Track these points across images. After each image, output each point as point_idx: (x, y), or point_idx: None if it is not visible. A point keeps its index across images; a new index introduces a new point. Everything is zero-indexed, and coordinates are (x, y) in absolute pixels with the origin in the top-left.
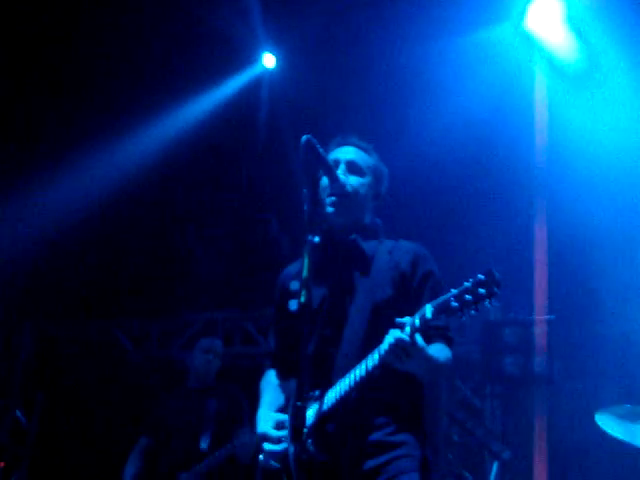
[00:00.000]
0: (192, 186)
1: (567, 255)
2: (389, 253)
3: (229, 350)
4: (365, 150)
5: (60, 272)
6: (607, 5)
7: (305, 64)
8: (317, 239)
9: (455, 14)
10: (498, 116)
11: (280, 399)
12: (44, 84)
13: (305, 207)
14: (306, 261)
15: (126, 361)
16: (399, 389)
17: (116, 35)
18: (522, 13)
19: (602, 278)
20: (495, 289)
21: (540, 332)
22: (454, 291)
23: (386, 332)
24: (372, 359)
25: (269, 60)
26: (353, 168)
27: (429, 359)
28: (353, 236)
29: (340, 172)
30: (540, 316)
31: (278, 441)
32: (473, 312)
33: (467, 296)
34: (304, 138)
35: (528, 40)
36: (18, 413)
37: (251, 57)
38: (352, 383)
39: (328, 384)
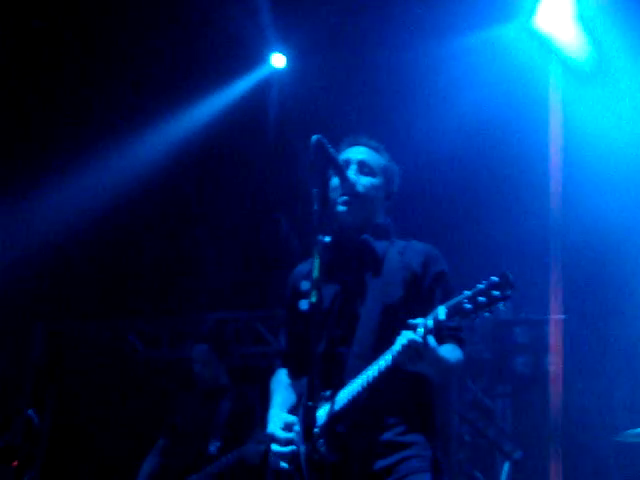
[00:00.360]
0: (202, 186)
1: (581, 254)
2: (400, 253)
3: (240, 350)
4: (376, 150)
5: (71, 273)
6: (617, 1)
7: (315, 64)
8: (328, 239)
9: (465, 13)
10: (511, 114)
11: (291, 399)
12: (57, 83)
13: (315, 207)
14: (317, 261)
15: (137, 361)
16: (410, 389)
17: (126, 35)
18: (532, 11)
19: (617, 276)
20: (509, 291)
21: (554, 331)
22: (467, 293)
23: (397, 333)
24: (384, 360)
25: (278, 60)
26: (364, 168)
27: (441, 360)
28: (364, 236)
29: (351, 172)
30: (555, 316)
31: (286, 443)
32: (487, 314)
33: (481, 298)
34: (314, 138)
35: (539, 38)
36: (30, 413)
37: (260, 57)
38: (364, 384)
39: (339, 384)
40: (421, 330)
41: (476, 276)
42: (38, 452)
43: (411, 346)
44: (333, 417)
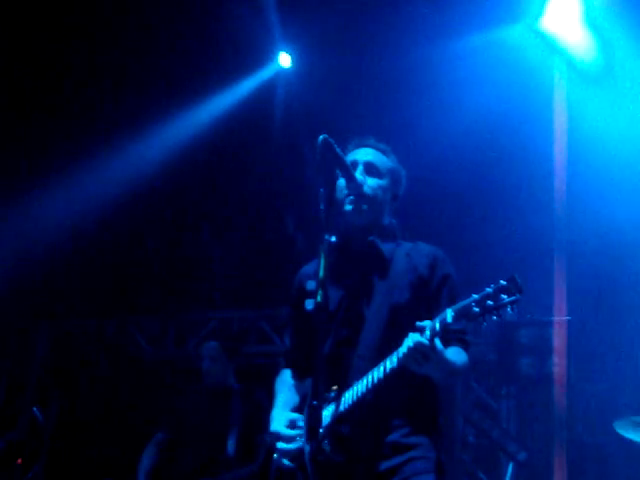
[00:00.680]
0: (208, 185)
1: (586, 256)
2: (407, 256)
3: (244, 349)
4: (383, 152)
5: (76, 270)
6: (624, 2)
7: (321, 63)
8: (334, 239)
9: (472, 13)
10: (517, 115)
11: (295, 399)
12: (64, 81)
13: (321, 207)
14: (323, 261)
15: (141, 359)
16: (415, 391)
17: (132, 34)
18: (540, 12)
19: (621, 278)
20: (517, 295)
21: (558, 333)
22: (475, 296)
23: (403, 335)
24: (390, 362)
25: (285, 59)
26: (371, 170)
27: (447, 363)
28: (371, 238)
29: (358, 173)
30: (559, 317)
31: (291, 440)
32: (495, 318)
33: (489, 302)
34: (321, 138)
35: (546, 39)
36: (35, 410)
37: (267, 56)
38: (370, 385)
39: (344, 385)
40: (428, 333)
41: (480, 278)
42: (42, 449)
43: (417, 348)
44: (338, 418)
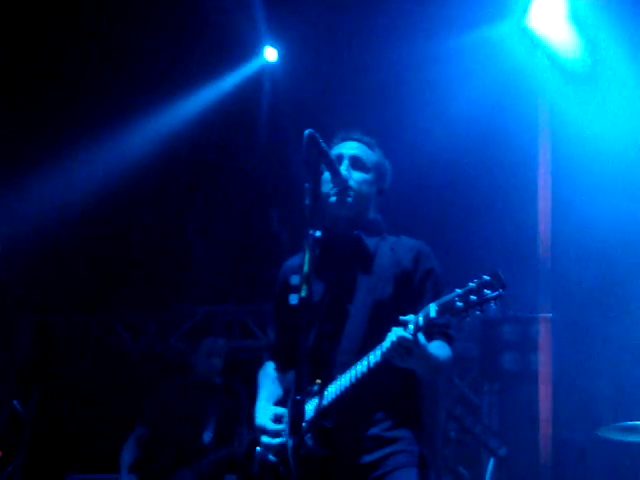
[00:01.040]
0: (192, 179)
1: (570, 253)
2: (391, 250)
3: (228, 343)
4: (369, 145)
5: (58, 264)
6: (610, 2)
7: (307, 58)
8: (319, 233)
9: (458, 11)
10: (501, 113)
11: (278, 392)
12: (47, 72)
13: (306, 201)
14: (307, 255)
15: (124, 353)
16: (398, 385)
17: (116, 27)
18: (525, 10)
19: (605, 275)
20: (500, 290)
21: (541, 329)
22: (459, 291)
23: (386, 329)
24: (374, 356)
25: (271, 54)
26: (357, 164)
27: (430, 357)
28: (356, 232)
29: (343, 167)
30: (542, 313)
31: (276, 434)
32: (478, 312)
33: (472, 297)
34: (306, 132)
35: (531, 37)
36: (16, 403)
37: (253, 50)
38: (353, 379)
39: (328, 379)
40: (411, 327)
41: (465, 273)
42: (23, 443)
43: (401, 343)
44: (321, 411)
